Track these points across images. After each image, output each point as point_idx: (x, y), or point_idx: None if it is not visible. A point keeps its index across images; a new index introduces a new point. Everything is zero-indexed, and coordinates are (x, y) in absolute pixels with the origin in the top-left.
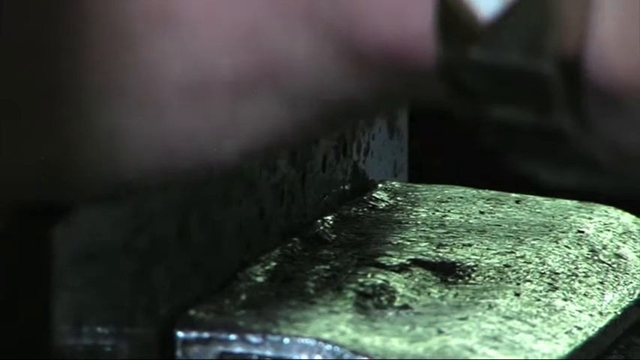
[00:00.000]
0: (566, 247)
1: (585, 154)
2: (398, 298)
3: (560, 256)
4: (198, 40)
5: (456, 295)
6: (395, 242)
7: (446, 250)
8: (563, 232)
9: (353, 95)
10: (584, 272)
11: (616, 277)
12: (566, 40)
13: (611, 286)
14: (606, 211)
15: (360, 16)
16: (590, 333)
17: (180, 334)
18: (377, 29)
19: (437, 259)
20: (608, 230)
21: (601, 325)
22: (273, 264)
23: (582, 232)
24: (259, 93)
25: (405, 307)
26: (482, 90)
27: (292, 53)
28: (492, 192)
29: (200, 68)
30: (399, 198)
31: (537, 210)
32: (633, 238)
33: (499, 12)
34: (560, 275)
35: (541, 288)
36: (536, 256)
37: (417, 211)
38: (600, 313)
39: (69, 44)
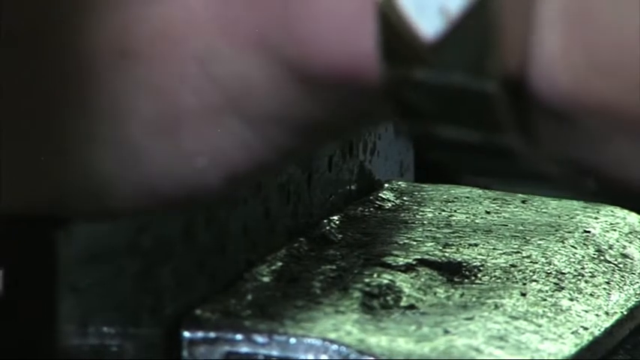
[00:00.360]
0: (573, 247)
1: (535, 170)
2: (404, 298)
3: (566, 256)
4: (158, 73)
5: (462, 295)
6: (401, 242)
7: (452, 250)
8: (569, 232)
9: (315, 115)
10: (590, 272)
11: (622, 277)
12: (509, 60)
13: (617, 286)
14: (612, 211)
15: (308, 39)
16: (597, 333)
17: (186, 334)
18: (325, 50)
19: (443, 259)
20: (615, 230)
21: (607, 325)
22: (280, 264)
23: (588, 232)
24: (226, 120)
25: (411, 307)
26: (427, 110)
27: (248, 79)
28: (498, 192)
29: (164, 101)
30: (405, 198)
31: (543, 210)
32: (639, 238)
33: (442, 32)
34: (567, 275)
35: (547, 288)
36: (542, 256)
37: (423, 211)
38: (606, 313)
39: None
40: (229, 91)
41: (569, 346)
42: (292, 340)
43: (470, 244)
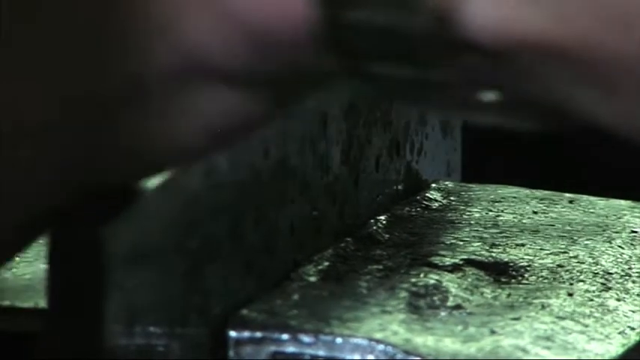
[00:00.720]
0: (620, 247)
1: (466, 99)
2: (451, 298)
3: (613, 256)
4: (124, 37)
5: (509, 295)
6: (448, 242)
7: (499, 250)
8: (616, 232)
9: (265, 73)
10: (637, 272)
11: None
12: None
13: None
14: None
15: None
16: None
17: (232, 333)
18: (259, 4)
19: (490, 259)
20: None
21: None
22: (326, 264)
23: (636, 232)
24: (193, 83)
25: (457, 307)
26: (361, 49)
27: (208, 44)
28: (546, 192)
29: (133, 65)
30: (452, 198)
31: (591, 210)
32: None
33: None
34: (614, 275)
35: (594, 288)
36: (589, 256)
37: (470, 211)
38: None
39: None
40: (190, 55)
41: (616, 347)
42: (338, 340)
43: (517, 244)
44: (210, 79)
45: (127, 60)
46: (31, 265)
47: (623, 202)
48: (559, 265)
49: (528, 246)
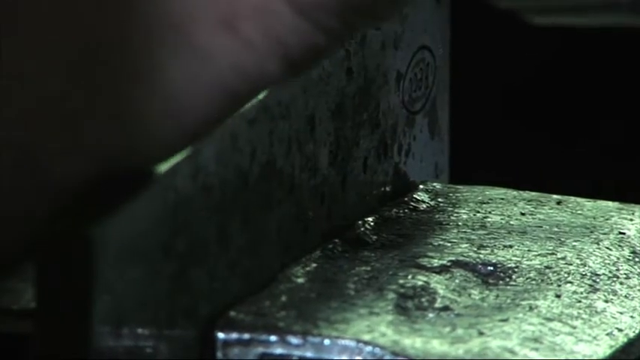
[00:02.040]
0: (608, 248)
1: None
2: (438, 300)
3: (601, 257)
4: None
5: (496, 297)
6: (436, 243)
7: (487, 252)
8: (604, 234)
9: None
10: (625, 274)
11: None
12: None
13: None
14: None
15: None
16: (631, 335)
17: (220, 335)
18: None
19: (478, 260)
20: None
21: None
22: (314, 265)
23: (624, 233)
24: (278, 10)
25: (445, 308)
26: None
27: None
28: (533, 193)
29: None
30: (440, 199)
31: (578, 211)
32: None
33: None
34: (602, 277)
35: (582, 290)
36: (577, 258)
37: (457, 213)
38: None
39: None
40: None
41: (604, 348)
42: (326, 342)
43: (505, 246)
44: (297, 7)
45: None
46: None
47: (610, 203)
48: (547, 267)
49: (516, 247)
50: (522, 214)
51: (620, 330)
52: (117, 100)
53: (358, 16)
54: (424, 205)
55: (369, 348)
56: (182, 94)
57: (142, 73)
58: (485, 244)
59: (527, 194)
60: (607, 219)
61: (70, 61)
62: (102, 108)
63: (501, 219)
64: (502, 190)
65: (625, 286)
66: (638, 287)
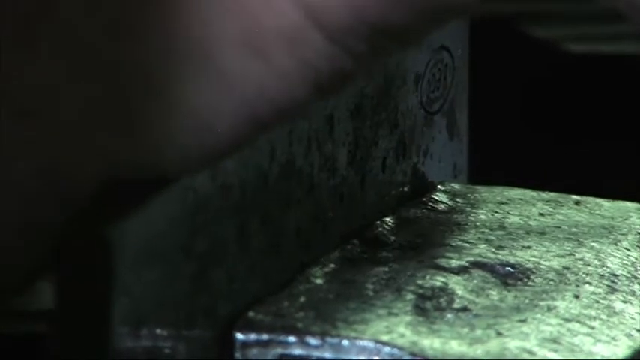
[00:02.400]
0: (626, 249)
1: (605, 9)
2: (457, 300)
3: (619, 258)
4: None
5: (515, 297)
6: (454, 244)
7: (505, 252)
8: (623, 234)
9: (389, 18)
10: None
11: None
12: None
13: None
14: None
15: None
16: None
17: (239, 335)
18: None
19: (496, 260)
20: None
21: None
22: (333, 266)
23: None
24: (309, 35)
25: (464, 309)
26: None
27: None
28: (552, 194)
29: (251, 24)
30: (458, 200)
31: (597, 212)
32: None
33: None
34: (620, 277)
35: (600, 290)
36: (595, 258)
37: (476, 213)
38: None
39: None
40: (306, 5)
41: (623, 349)
42: (345, 342)
43: (523, 246)
44: (325, 32)
45: (245, 15)
46: None
47: (629, 204)
48: (565, 267)
49: (534, 248)
50: (541, 214)
51: (638, 330)
52: (137, 117)
53: (387, 41)
54: (442, 206)
55: (387, 348)
56: (205, 117)
57: (164, 95)
58: (503, 245)
59: (545, 195)
60: (626, 219)
61: (93, 79)
62: (121, 123)
63: (520, 219)
64: (520, 191)
65: None
66: None
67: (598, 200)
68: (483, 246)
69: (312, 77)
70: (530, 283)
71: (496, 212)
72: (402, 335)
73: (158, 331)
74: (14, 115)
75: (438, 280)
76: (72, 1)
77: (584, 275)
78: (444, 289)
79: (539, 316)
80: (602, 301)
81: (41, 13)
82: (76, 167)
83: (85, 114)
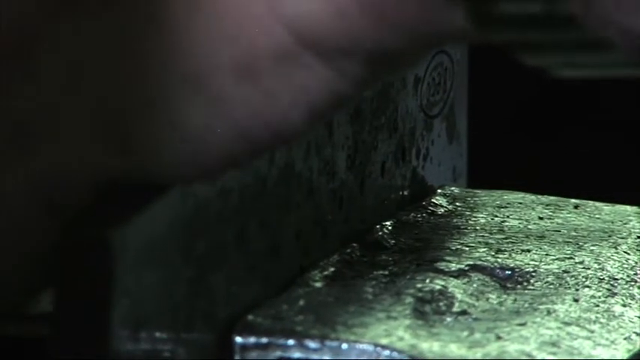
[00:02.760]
0: (626, 252)
1: (595, 38)
2: (456, 304)
3: (619, 261)
4: (231, 21)
5: (514, 301)
6: (454, 248)
7: (505, 256)
8: (622, 238)
9: (383, 41)
10: None
11: None
12: None
13: None
14: None
15: None
16: None
17: (238, 339)
18: None
19: (496, 264)
20: None
21: None
22: (332, 269)
23: None
24: (301, 58)
25: (463, 312)
26: None
27: (315, 14)
28: (551, 197)
29: (242, 48)
30: (457, 203)
31: (596, 216)
32: None
33: None
34: (619, 281)
35: (600, 294)
36: (595, 262)
37: (476, 217)
38: None
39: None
40: (299, 29)
41: (622, 352)
42: (344, 346)
43: (523, 250)
44: (317, 55)
45: (237, 39)
46: None
47: (629, 207)
48: (565, 271)
49: (534, 252)
50: (540, 218)
51: (638, 334)
52: (131, 134)
53: (381, 65)
54: (442, 210)
55: (386, 352)
56: (197, 136)
57: (158, 115)
58: (503, 249)
59: (545, 198)
60: (625, 223)
61: (91, 103)
62: (115, 139)
63: (519, 223)
64: (520, 195)
65: None
66: None
67: (597, 204)
68: (483, 250)
69: (306, 100)
70: (529, 286)
71: (495, 216)
72: (401, 339)
73: (157, 334)
74: (9, 130)
75: (438, 283)
76: (70, 24)
77: (583, 279)
78: (444, 293)
79: (538, 319)
80: (601, 304)
81: (39, 35)
82: (69, 181)
83: (80, 129)
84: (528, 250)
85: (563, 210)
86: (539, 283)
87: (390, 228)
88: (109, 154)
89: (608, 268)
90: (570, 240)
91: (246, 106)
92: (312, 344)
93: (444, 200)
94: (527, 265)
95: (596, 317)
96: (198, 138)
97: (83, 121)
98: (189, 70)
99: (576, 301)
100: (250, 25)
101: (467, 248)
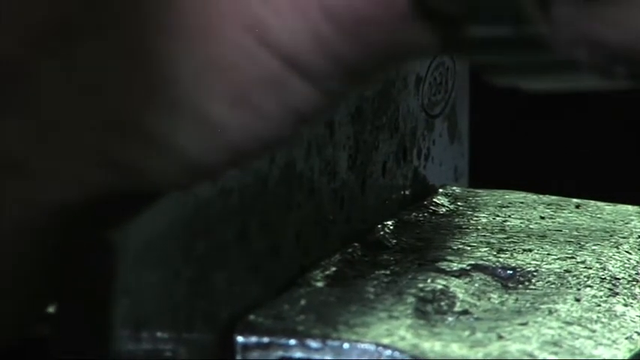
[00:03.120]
0: (627, 252)
1: (566, 58)
2: (458, 304)
3: (620, 261)
4: (221, 51)
5: (516, 301)
6: (455, 247)
7: (506, 256)
8: (624, 238)
9: (359, 58)
10: None
11: None
12: None
13: None
14: None
15: None
16: None
17: (239, 338)
18: None
19: (497, 264)
20: None
21: None
22: (333, 269)
23: None
24: (287, 80)
25: (465, 312)
26: (457, 12)
27: (297, 38)
28: (553, 197)
29: (232, 76)
30: (459, 203)
31: (598, 215)
32: None
33: None
34: (621, 281)
35: (601, 293)
36: (596, 262)
37: (477, 217)
38: None
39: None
40: (284, 54)
41: (623, 352)
42: (346, 345)
43: (524, 250)
44: (303, 77)
45: (229, 69)
46: None
47: (630, 207)
48: (566, 271)
49: (535, 251)
50: (542, 217)
51: (639, 334)
52: (124, 155)
53: (363, 79)
54: (443, 209)
55: (388, 352)
56: (189, 156)
57: (152, 136)
58: (504, 248)
59: (546, 198)
60: (626, 223)
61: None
62: (109, 158)
63: (521, 223)
64: (521, 194)
65: None
66: None
67: (599, 203)
68: (484, 249)
69: (294, 118)
70: (531, 286)
71: (497, 215)
72: (403, 338)
73: (158, 334)
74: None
75: (439, 283)
76: (59, 57)
77: (585, 278)
78: (445, 293)
79: (540, 319)
80: (603, 304)
81: (24, 70)
82: (61, 198)
83: (74, 152)
84: (530, 250)
85: (564, 209)
86: (540, 282)
87: (391, 228)
88: (103, 173)
89: (610, 268)
90: (572, 239)
91: (239, 128)
92: (313, 344)
93: (446, 200)
94: (528, 265)
95: (598, 317)
96: (189, 156)
97: (75, 143)
98: (184, 96)
99: (578, 300)
100: (240, 54)
101: (468, 248)
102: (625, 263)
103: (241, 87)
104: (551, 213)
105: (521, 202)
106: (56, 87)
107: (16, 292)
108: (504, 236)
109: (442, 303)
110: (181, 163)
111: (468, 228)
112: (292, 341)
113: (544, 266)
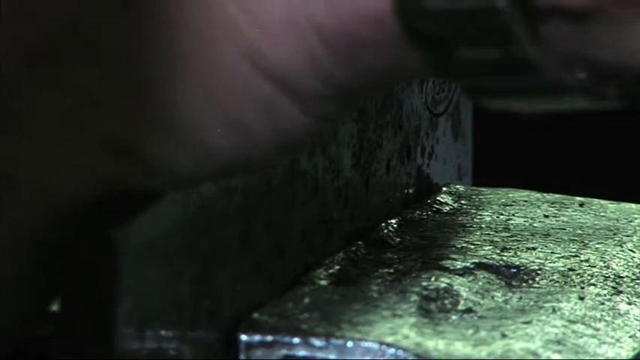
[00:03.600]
0: (631, 250)
1: (555, 80)
2: (462, 302)
3: (624, 259)
4: (216, 78)
5: (520, 299)
6: (459, 246)
7: (510, 254)
8: (627, 236)
9: (352, 82)
10: None
11: None
12: None
13: None
14: None
15: (322, 6)
16: None
17: (243, 337)
18: (335, 11)
19: (501, 262)
20: None
21: None
22: (337, 267)
23: None
24: (280, 105)
25: (468, 310)
26: (444, 36)
27: (291, 64)
28: (557, 195)
29: (228, 102)
30: (463, 201)
31: (602, 213)
32: None
33: None
34: (625, 279)
35: (605, 292)
36: (600, 260)
37: (481, 215)
38: None
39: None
40: (278, 78)
41: (627, 350)
42: (349, 344)
43: (528, 248)
44: (296, 100)
45: (225, 95)
46: None
47: (634, 205)
48: (570, 269)
49: (539, 249)
50: (545, 216)
51: None
52: (117, 178)
53: (355, 101)
54: (447, 208)
55: (391, 350)
56: (182, 178)
57: (144, 157)
58: (508, 247)
59: (550, 196)
60: (630, 221)
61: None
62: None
63: (524, 221)
64: (525, 193)
65: None
66: None
67: (603, 202)
68: (488, 248)
69: (285, 143)
70: (534, 284)
71: (501, 214)
72: (407, 337)
73: (162, 332)
74: None
75: (443, 281)
76: (50, 76)
77: (588, 277)
78: (449, 291)
79: (543, 317)
80: (606, 302)
81: (15, 88)
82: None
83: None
84: (534, 248)
85: (568, 208)
86: (544, 281)
87: (395, 226)
88: (91, 197)
89: (614, 266)
90: (575, 238)
91: (231, 151)
92: (317, 342)
93: (449, 198)
94: (532, 263)
95: (602, 315)
96: (181, 179)
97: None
98: (178, 121)
99: (581, 299)
100: (234, 78)
101: (472, 246)
102: (629, 261)
103: (235, 111)
104: (555, 211)
105: (525, 201)
106: (47, 106)
107: (16, 295)
108: (508, 235)
109: (446, 301)
110: (170, 182)
111: (471, 226)
112: (296, 340)
113: (548, 265)
